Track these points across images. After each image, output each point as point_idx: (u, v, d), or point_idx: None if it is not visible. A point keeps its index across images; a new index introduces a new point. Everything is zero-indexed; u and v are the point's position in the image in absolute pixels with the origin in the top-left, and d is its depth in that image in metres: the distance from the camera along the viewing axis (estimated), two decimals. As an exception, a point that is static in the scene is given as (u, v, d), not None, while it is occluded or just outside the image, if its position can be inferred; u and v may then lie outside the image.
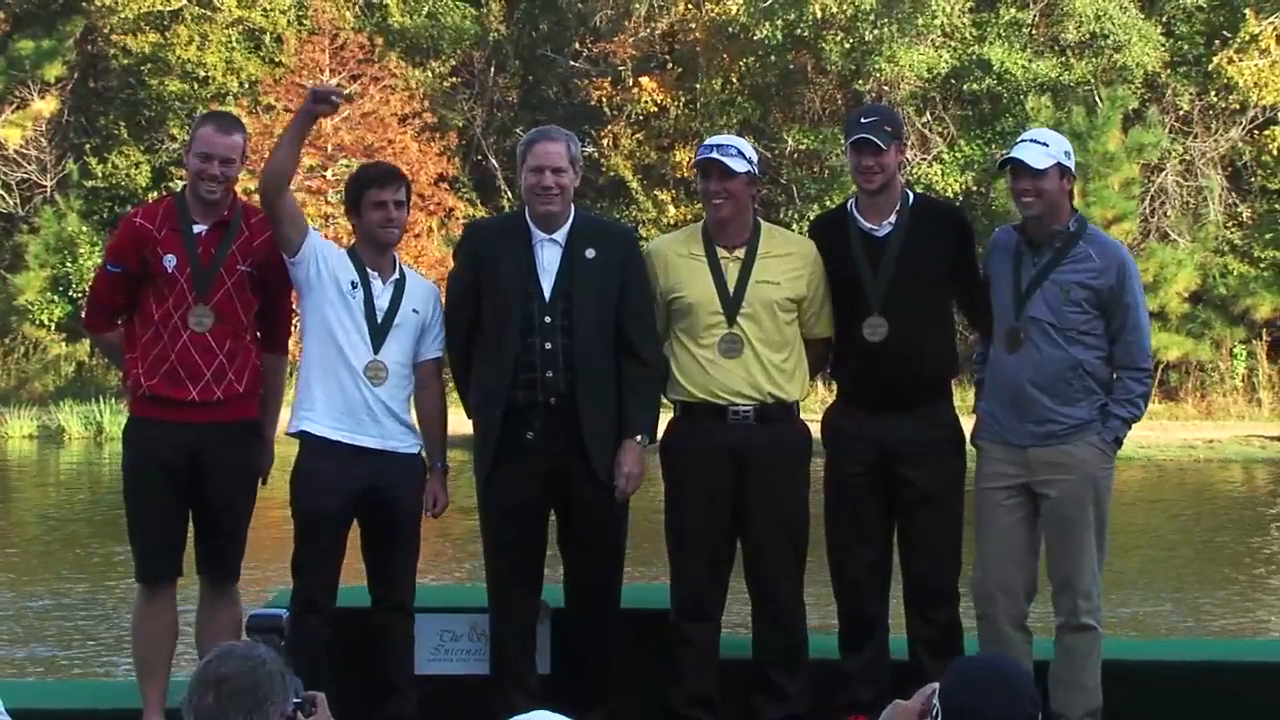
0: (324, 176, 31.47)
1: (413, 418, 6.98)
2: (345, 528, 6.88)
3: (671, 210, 35.61)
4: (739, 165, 6.85)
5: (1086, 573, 6.77)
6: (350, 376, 6.81)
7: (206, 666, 3.95)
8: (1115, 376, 6.81)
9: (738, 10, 35.51)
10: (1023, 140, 6.88)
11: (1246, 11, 32.86)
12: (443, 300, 7.11)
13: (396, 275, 6.93)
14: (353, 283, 6.84)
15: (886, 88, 34.18)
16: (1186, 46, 34.45)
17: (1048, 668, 6.80)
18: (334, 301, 6.82)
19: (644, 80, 36.45)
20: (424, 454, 7.00)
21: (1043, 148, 6.78)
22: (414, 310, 6.90)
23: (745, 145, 7.03)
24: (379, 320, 6.85)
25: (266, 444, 7.05)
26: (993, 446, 6.88)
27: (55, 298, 34.41)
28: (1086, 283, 6.74)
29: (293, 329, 7.45)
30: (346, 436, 6.82)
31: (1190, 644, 10.56)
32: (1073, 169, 6.86)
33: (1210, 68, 33.65)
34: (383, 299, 6.87)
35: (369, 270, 6.88)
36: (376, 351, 6.83)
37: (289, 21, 37.07)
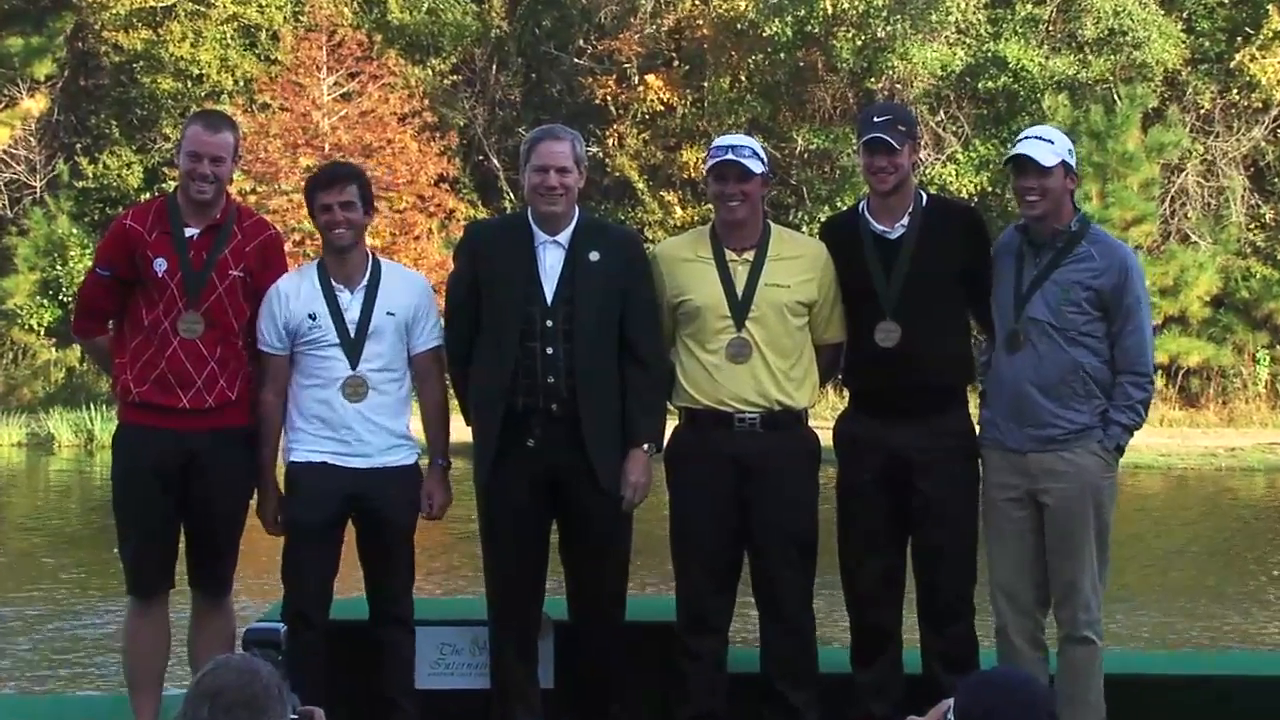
0: (320, 177, 31.45)
1: (409, 423, 6.96)
2: (332, 538, 6.87)
3: (678, 212, 35.62)
4: (756, 166, 6.85)
5: (1086, 584, 6.75)
6: (330, 397, 6.81)
7: (202, 679, 3.95)
8: (1116, 381, 6.79)
9: (746, 6, 35.52)
10: (1026, 137, 6.87)
11: (1269, 7, 32.88)
12: (436, 297, 7.09)
13: (366, 280, 6.89)
14: (311, 315, 6.82)
15: (899, 86, 34.21)
16: (1207, 43, 34.45)
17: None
18: (300, 340, 6.84)
19: (650, 78, 36.48)
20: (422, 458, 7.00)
21: (1048, 145, 6.77)
22: (389, 313, 6.86)
23: (757, 145, 7.02)
24: (351, 335, 6.83)
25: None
26: (993, 454, 6.87)
27: (45, 302, 34.43)
28: (1087, 283, 6.72)
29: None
30: (330, 458, 6.83)
31: (1203, 657, 10.55)
32: (1075, 167, 6.86)
33: (1232, 65, 33.68)
34: (352, 310, 6.85)
35: (335, 283, 6.86)
36: (354, 367, 6.83)
37: (285, 18, 37.12)
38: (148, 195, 31.68)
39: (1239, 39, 33.89)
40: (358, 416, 6.81)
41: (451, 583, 14.49)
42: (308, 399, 6.86)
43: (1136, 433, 6.93)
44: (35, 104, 36.56)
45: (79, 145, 37.63)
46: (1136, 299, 6.77)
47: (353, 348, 6.82)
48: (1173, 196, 33.84)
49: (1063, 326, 6.73)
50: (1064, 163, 6.76)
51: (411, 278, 7.18)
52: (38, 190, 37.12)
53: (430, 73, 37.34)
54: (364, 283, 6.88)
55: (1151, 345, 6.89)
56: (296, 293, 6.87)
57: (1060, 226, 6.79)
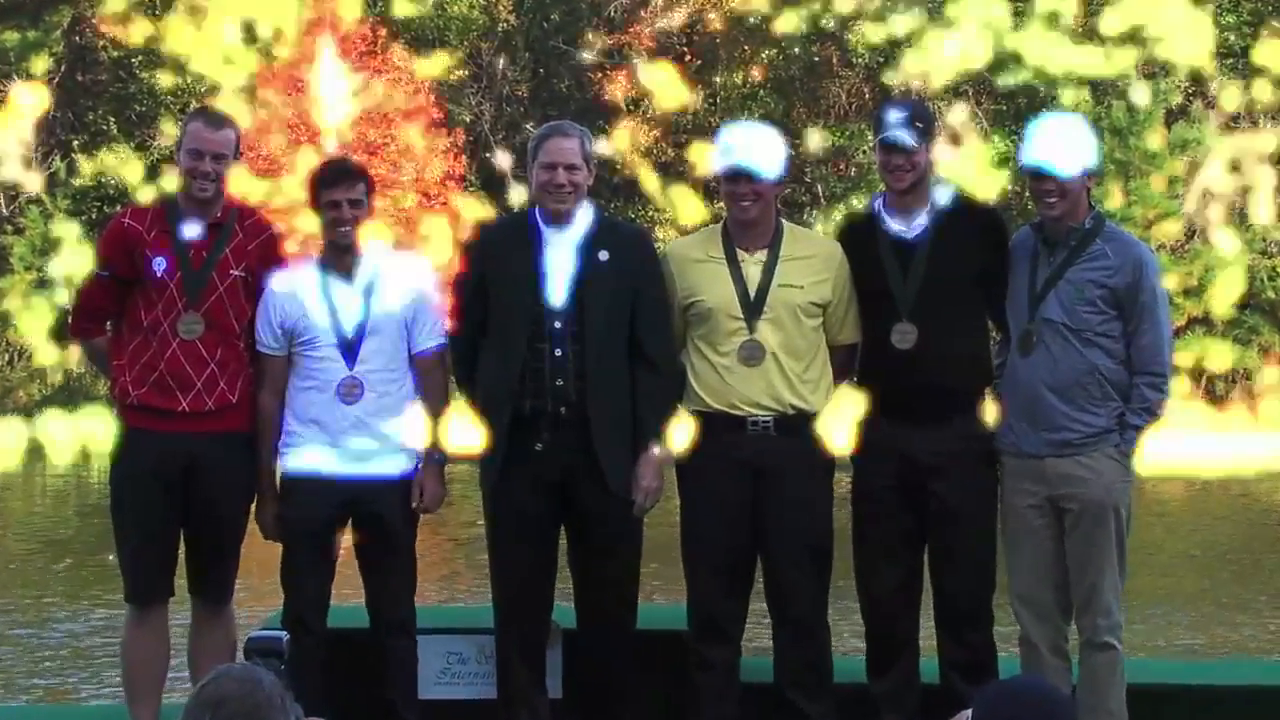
0: (323, 175, 31.43)
1: (409, 426, 6.94)
2: (328, 542, 6.88)
3: (689, 210, 35.58)
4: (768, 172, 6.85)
5: (1107, 589, 6.74)
6: (326, 399, 6.82)
7: (203, 689, 3.96)
8: (1132, 383, 6.76)
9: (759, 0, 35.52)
10: (1043, 137, 6.82)
11: (1296, 1, 32.84)
12: (440, 296, 7.09)
13: (364, 279, 6.90)
14: (307, 315, 6.83)
15: (916, 81, 34.16)
16: (1233, 38, 34.39)
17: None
18: (297, 341, 6.85)
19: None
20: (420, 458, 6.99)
21: (1066, 147, 6.75)
22: (386, 311, 6.87)
23: (769, 140, 6.97)
24: (349, 335, 6.84)
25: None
26: (1011, 460, 6.86)
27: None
28: (1102, 281, 6.71)
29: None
30: (326, 463, 6.84)
31: (1228, 666, 10.53)
32: (1095, 163, 6.86)
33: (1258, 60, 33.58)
34: (349, 310, 6.85)
35: (332, 281, 6.86)
36: (351, 368, 6.83)
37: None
38: (147, 193, 31.68)
39: (1265, 33, 33.82)
40: (354, 420, 6.82)
41: (457, 590, 14.48)
42: (304, 402, 6.86)
43: (1160, 438, 6.92)
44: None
45: (76, 142, 37.62)
46: (1153, 296, 6.74)
47: (349, 348, 6.82)
48: (1197, 195, 33.78)
49: (1078, 327, 6.72)
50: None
51: (411, 276, 7.18)
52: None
53: (436, 68, 37.31)
54: (362, 281, 6.89)
55: (1169, 344, 6.86)
56: (293, 293, 6.88)
57: (1075, 225, 6.78)
